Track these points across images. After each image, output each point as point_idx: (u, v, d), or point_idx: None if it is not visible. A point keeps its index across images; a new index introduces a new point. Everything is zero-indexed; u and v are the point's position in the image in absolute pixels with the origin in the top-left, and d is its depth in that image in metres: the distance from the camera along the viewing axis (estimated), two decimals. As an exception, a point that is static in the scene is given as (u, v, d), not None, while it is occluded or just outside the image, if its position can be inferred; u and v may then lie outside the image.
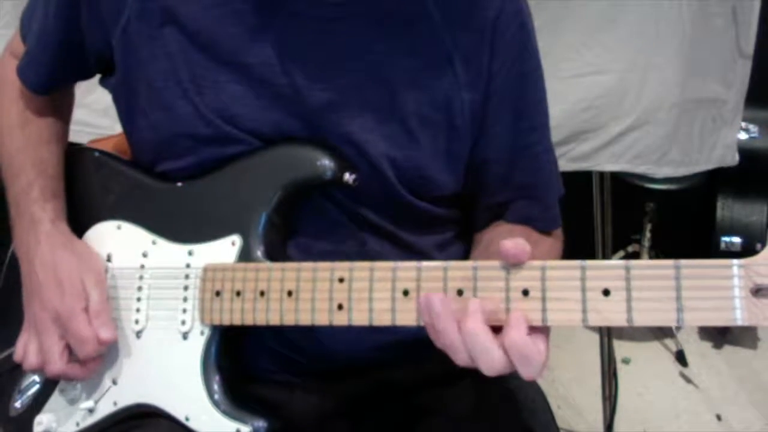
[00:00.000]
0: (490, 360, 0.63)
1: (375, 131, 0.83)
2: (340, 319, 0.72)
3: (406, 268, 0.69)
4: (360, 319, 0.71)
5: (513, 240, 0.64)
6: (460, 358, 0.65)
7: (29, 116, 0.95)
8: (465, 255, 0.96)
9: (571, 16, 1.53)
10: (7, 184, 0.92)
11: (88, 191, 0.93)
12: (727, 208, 2.15)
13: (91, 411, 0.86)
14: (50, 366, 0.83)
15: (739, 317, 0.58)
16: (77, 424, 0.87)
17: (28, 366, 0.86)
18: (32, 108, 0.96)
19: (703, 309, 0.59)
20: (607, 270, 0.62)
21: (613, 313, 0.61)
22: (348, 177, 0.80)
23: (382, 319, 0.70)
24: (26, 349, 0.85)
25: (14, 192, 0.91)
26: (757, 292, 0.57)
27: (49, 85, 0.95)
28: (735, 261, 0.58)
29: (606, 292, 0.61)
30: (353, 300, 0.71)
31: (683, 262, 0.59)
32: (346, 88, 0.82)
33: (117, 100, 0.90)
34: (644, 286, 0.60)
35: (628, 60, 1.55)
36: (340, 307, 0.71)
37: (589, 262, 0.63)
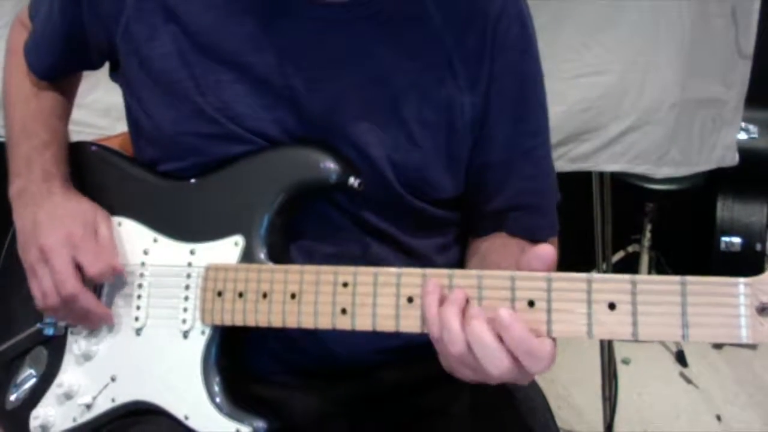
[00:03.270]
0: (493, 358, 0.63)
1: (375, 133, 0.83)
2: (344, 324, 0.71)
3: (411, 275, 0.69)
4: (363, 324, 0.71)
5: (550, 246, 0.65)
6: (466, 372, 0.66)
7: (42, 86, 0.96)
8: (464, 257, 0.96)
9: (571, 17, 1.53)
10: (16, 146, 0.93)
11: (89, 187, 0.93)
12: (727, 208, 2.15)
13: (88, 407, 0.86)
14: (65, 285, 0.83)
15: (744, 335, 0.58)
16: (74, 420, 0.87)
17: (49, 301, 0.84)
18: (42, 83, 0.97)
19: (708, 325, 0.59)
20: (613, 283, 0.62)
21: (618, 327, 0.62)
22: (353, 181, 0.80)
23: (386, 325, 0.70)
24: (42, 287, 0.84)
25: (26, 149, 0.91)
26: (763, 310, 0.57)
27: (52, 74, 0.96)
28: (741, 279, 0.58)
29: (612, 306, 0.61)
30: (357, 305, 0.71)
31: (689, 278, 0.60)
32: (347, 90, 0.82)
33: (125, 97, 0.91)
34: (650, 301, 0.60)
35: (628, 60, 1.55)
36: (343, 311, 0.71)
37: (595, 276, 0.63)
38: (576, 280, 0.63)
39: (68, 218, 0.86)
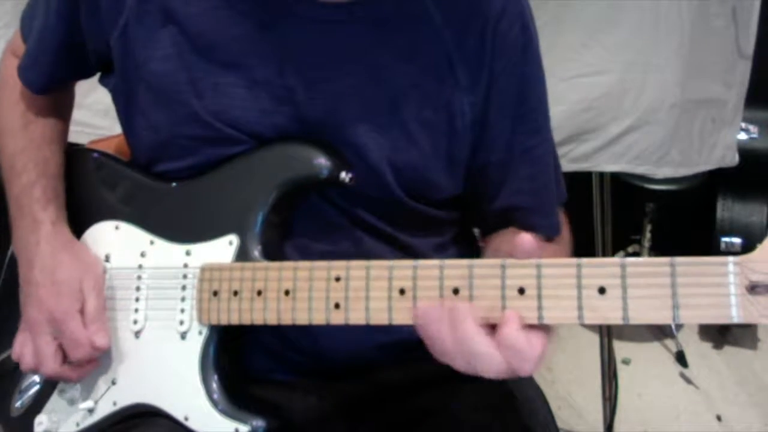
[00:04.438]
0: (488, 362, 0.63)
1: (375, 134, 0.83)
2: (337, 318, 0.72)
3: (403, 267, 0.69)
4: (357, 318, 0.71)
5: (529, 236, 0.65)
6: (459, 364, 0.66)
7: (31, 117, 0.95)
8: (463, 257, 0.95)
9: (570, 17, 1.53)
10: (8, 184, 0.92)
11: (86, 191, 0.94)
12: (727, 209, 2.15)
13: (90, 411, 0.86)
14: (44, 367, 0.84)
15: (735, 314, 0.58)
16: (77, 424, 0.87)
17: (24, 366, 0.86)
18: (34, 109, 0.96)
19: (699, 306, 0.59)
20: (603, 268, 0.62)
21: (608, 311, 0.62)
22: (344, 176, 0.80)
23: (379, 318, 0.70)
24: (22, 349, 0.86)
25: (16, 192, 0.91)
26: (753, 289, 0.57)
27: (49, 86, 0.95)
28: (730, 258, 0.58)
29: (602, 290, 0.61)
30: (350, 299, 0.71)
31: (678, 259, 0.59)
32: (346, 92, 0.82)
33: (116, 99, 0.90)
34: (640, 284, 0.60)
35: (627, 60, 1.55)
36: (337, 306, 0.71)
37: (584, 260, 0.63)
38: (566, 265, 0.63)
39: (53, 293, 0.84)
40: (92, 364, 0.85)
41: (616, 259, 0.61)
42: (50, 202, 0.90)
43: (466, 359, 0.65)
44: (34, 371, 0.87)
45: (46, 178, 0.91)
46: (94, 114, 1.54)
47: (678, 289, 0.59)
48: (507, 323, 0.63)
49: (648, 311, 0.60)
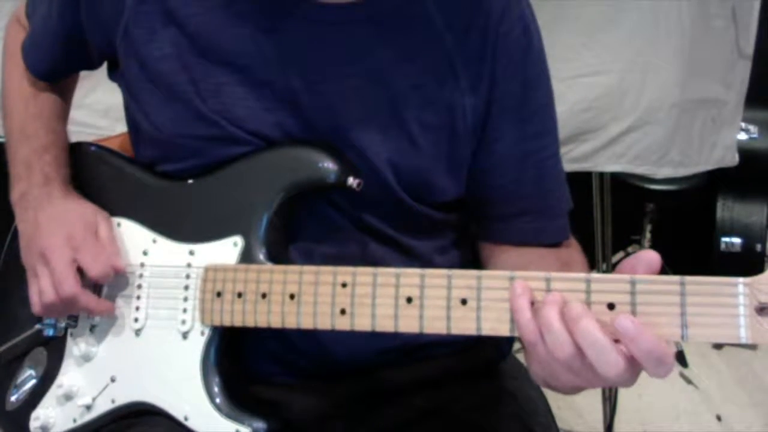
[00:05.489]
0: (612, 362, 0.59)
1: (376, 136, 0.82)
2: (343, 324, 0.71)
3: (410, 275, 0.69)
4: (362, 324, 0.71)
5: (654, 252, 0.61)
6: (569, 373, 0.61)
7: (38, 91, 0.97)
8: (466, 259, 0.95)
9: (570, 17, 1.53)
10: (15, 146, 0.93)
11: (89, 188, 0.93)
12: (727, 209, 2.15)
13: (88, 408, 0.86)
14: (63, 286, 0.83)
15: (743, 335, 0.58)
16: (74, 421, 0.87)
17: (46, 298, 0.84)
18: (41, 83, 0.97)
19: (707, 325, 0.59)
20: (612, 284, 0.61)
21: None
22: (352, 181, 0.80)
23: (385, 326, 0.70)
24: (39, 286, 0.85)
25: (26, 152, 0.91)
26: (762, 310, 0.57)
27: (51, 74, 0.96)
28: (740, 279, 0.58)
29: (611, 306, 0.61)
30: (356, 305, 0.70)
31: (688, 278, 0.59)
32: (347, 92, 0.82)
33: (123, 96, 0.91)
34: (649, 301, 0.60)
35: (627, 60, 1.55)
36: (342, 311, 0.71)
37: (594, 276, 0.62)
38: (575, 280, 0.62)
39: (69, 220, 0.86)
40: (110, 304, 0.85)
41: (625, 276, 0.61)
42: (61, 168, 0.92)
43: (583, 361, 0.60)
44: (53, 301, 0.84)
45: (57, 148, 0.93)
46: (94, 114, 1.54)
47: (687, 308, 0.59)
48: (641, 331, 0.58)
49: (656, 329, 0.60)
